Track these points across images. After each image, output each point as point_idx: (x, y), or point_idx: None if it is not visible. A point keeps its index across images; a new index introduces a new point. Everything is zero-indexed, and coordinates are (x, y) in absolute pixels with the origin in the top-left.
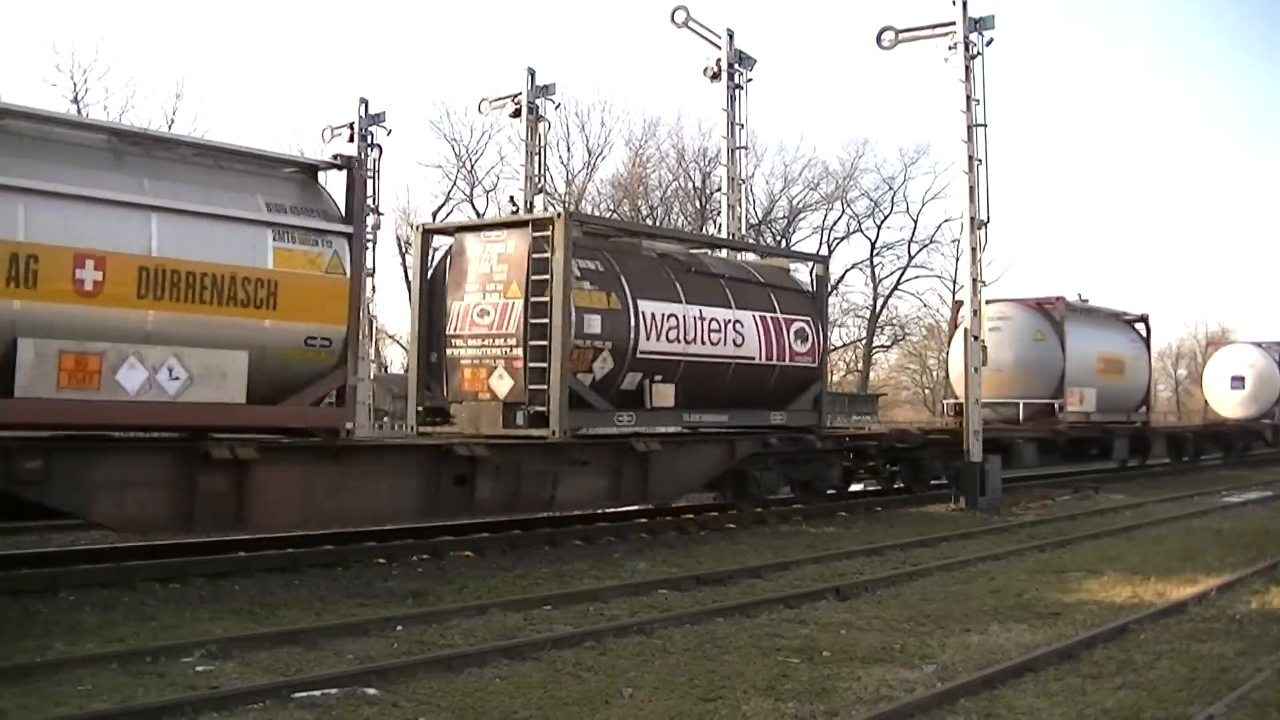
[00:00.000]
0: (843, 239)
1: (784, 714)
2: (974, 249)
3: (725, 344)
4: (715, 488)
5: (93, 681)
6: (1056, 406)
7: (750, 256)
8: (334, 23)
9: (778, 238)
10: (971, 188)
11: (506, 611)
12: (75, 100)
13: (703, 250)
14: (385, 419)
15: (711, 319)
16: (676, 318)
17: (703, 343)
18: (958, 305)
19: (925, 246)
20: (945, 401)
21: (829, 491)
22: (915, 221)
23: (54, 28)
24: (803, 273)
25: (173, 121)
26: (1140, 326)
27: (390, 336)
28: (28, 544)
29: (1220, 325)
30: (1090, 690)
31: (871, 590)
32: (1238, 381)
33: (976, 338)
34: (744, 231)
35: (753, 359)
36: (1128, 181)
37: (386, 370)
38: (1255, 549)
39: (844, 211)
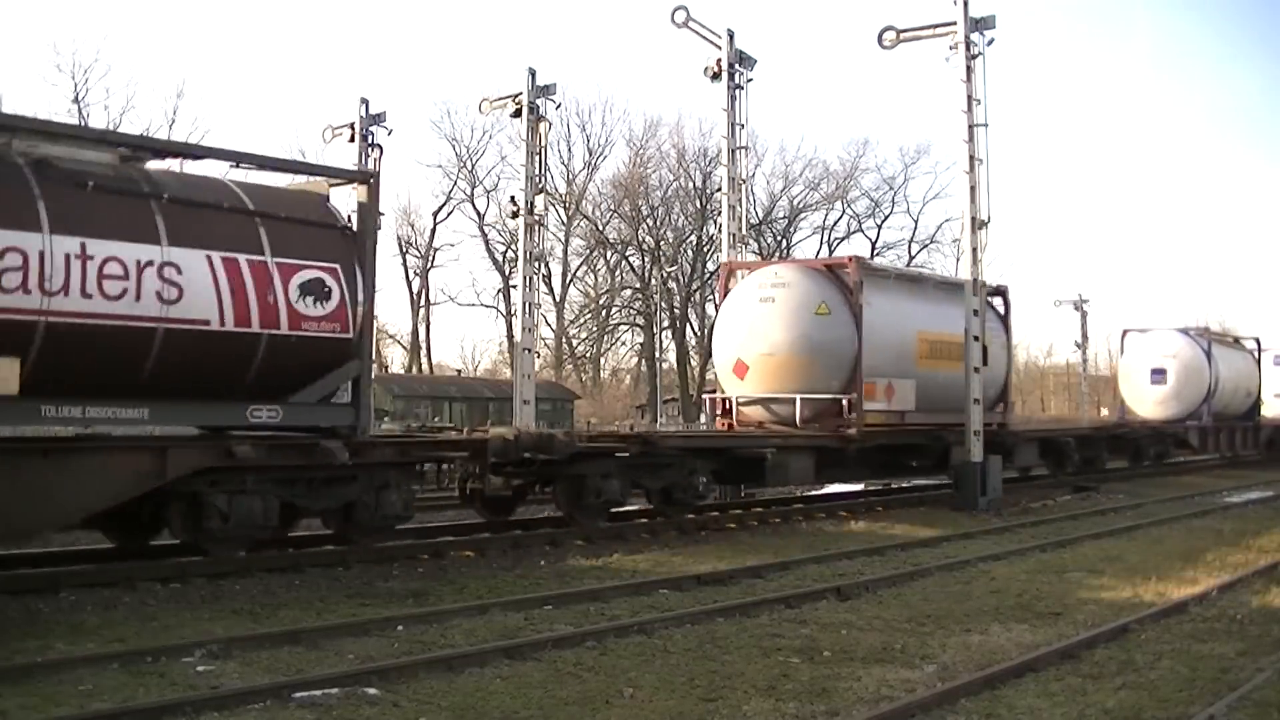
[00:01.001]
0: (843, 239)
1: (785, 714)
2: (974, 249)
3: (140, 298)
4: (150, 521)
5: (94, 681)
6: (845, 404)
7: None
8: (335, 23)
9: (779, 238)
10: (972, 188)
11: (507, 611)
12: (76, 100)
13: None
14: (386, 419)
15: (108, 259)
16: (25, 255)
17: (86, 295)
18: (728, 270)
19: (926, 246)
20: (706, 397)
21: (396, 526)
22: (916, 222)
23: (55, 28)
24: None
25: (174, 121)
26: (997, 301)
27: (391, 336)
28: (27, 544)
29: (1221, 324)
30: (1091, 690)
31: (872, 590)
32: (1158, 375)
33: (977, 338)
34: (744, 233)
35: (206, 324)
36: (1130, 180)
37: (387, 370)
38: (1256, 549)
39: (845, 211)
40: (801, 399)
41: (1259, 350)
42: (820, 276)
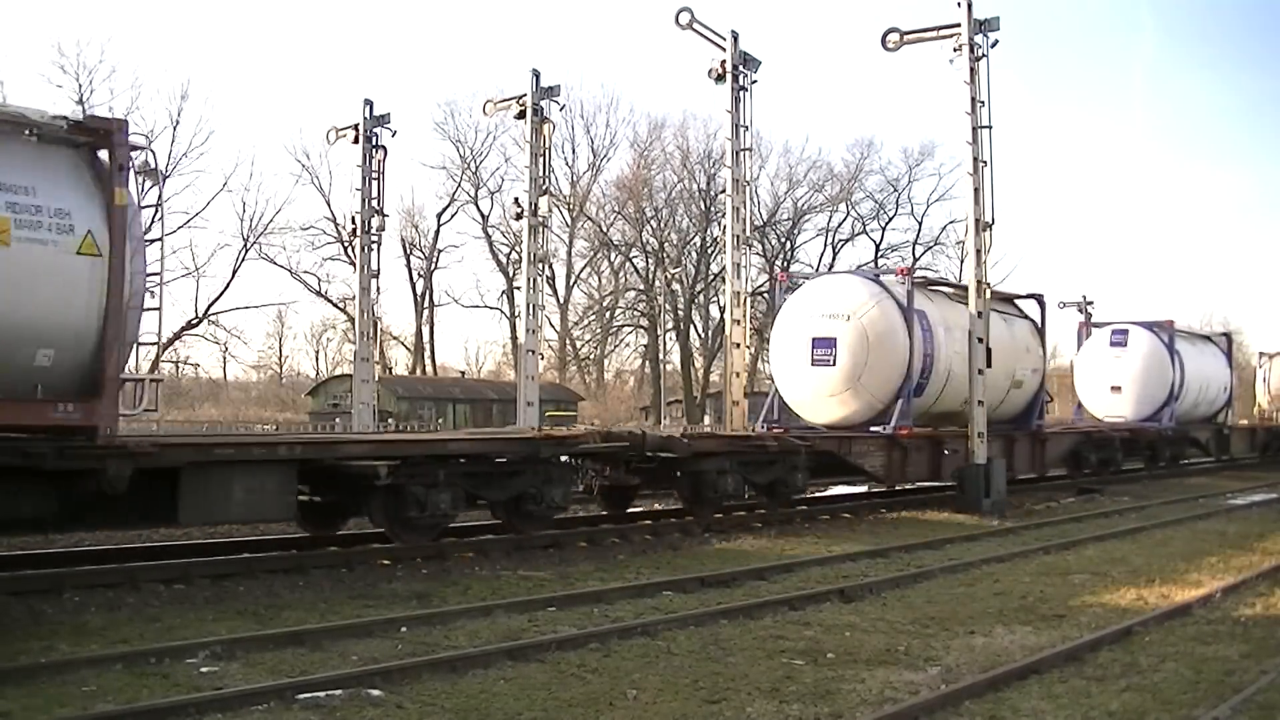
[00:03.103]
0: (847, 241)
1: (788, 716)
2: (978, 251)
3: None
4: None
5: (97, 682)
6: None
7: None
8: (339, 25)
9: (783, 240)
10: (976, 190)
11: (511, 613)
12: (80, 102)
13: None
14: (389, 420)
15: None
16: None
17: None
18: None
19: (930, 248)
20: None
21: None
22: (920, 223)
23: (59, 29)
24: None
25: (178, 123)
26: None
27: (395, 338)
28: (32, 544)
29: (1225, 324)
30: (1095, 693)
31: (876, 592)
32: (823, 349)
33: (981, 340)
34: (748, 235)
35: None
36: (1132, 182)
37: (391, 372)
38: (1260, 551)
39: (849, 213)
40: None
41: (1042, 312)
42: None
